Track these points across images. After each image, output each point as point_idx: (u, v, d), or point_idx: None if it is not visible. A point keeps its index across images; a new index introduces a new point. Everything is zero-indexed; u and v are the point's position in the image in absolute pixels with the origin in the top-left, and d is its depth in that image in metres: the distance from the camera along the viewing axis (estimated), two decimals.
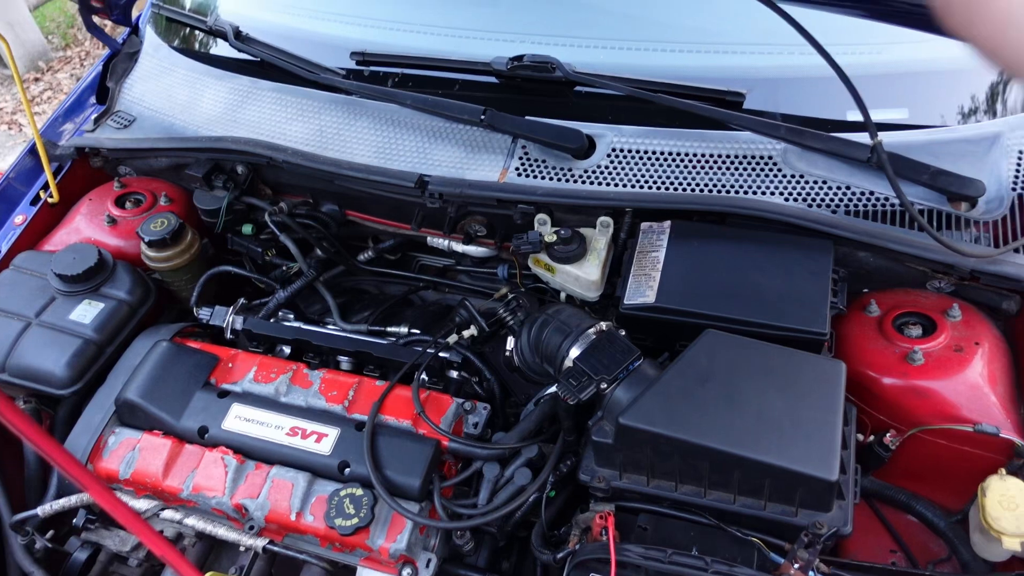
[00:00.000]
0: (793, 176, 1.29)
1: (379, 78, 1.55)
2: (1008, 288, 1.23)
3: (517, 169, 1.37)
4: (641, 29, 1.46)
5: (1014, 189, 1.24)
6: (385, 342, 1.40)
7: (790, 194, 1.27)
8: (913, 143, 1.27)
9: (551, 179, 1.35)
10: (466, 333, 1.38)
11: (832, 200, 1.26)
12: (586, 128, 1.37)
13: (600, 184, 1.34)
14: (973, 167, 1.25)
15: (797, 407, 1.03)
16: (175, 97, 1.66)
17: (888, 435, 1.18)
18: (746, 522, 1.05)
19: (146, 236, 1.46)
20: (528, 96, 1.46)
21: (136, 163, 1.68)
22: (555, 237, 1.30)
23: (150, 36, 1.80)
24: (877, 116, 1.20)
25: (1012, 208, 1.22)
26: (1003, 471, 1.08)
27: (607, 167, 1.35)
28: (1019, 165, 1.26)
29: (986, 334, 1.20)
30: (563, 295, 1.39)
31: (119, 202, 1.61)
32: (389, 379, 1.28)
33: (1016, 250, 1.19)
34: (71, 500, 1.22)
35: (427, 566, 1.13)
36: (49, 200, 1.62)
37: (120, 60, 1.77)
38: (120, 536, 1.25)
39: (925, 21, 1.08)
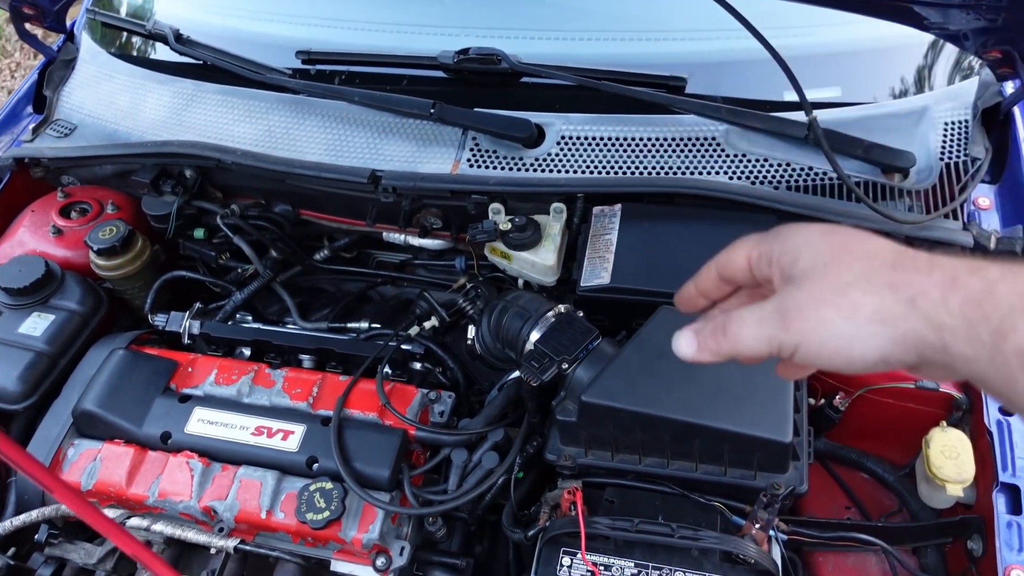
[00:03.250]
0: (736, 155, 1.33)
1: (326, 76, 1.55)
2: (940, 252, 1.30)
3: (469, 160, 1.39)
4: (583, 19, 1.50)
5: (941, 159, 1.31)
6: (346, 338, 1.40)
7: (734, 173, 1.32)
8: (847, 119, 1.33)
9: (503, 168, 1.38)
10: (427, 324, 1.39)
11: (774, 177, 1.31)
12: (534, 117, 1.39)
13: (551, 171, 1.36)
14: (903, 140, 1.31)
15: (750, 375, 1.07)
16: (117, 103, 1.63)
17: (837, 397, 1.23)
18: (708, 488, 1.09)
19: (95, 245, 1.44)
20: (476, 88, 1.48)
21: (80, 172, 1.64)
22: (510, 225, 1.32)
23: (87, 42, 1.76)
24: (812, 95, 1.25)
25: (940, 177, 1.29)
26: (944, 423, 1.15)
27: (557, 154, 1.38)
28: (945, 136, 1.33)
29: None
30: (521, 282, 1.41)
31: (64, 212, 1.57)
32: (352, 374, 1.28)
33: (945, 216, 1.26)
34: (32, 515, 1.20)
35: (400, 554, 1.14)
36: None
37: (56, 68, 1.73)
38: (86, 549, 1.23)
39: (851, 3, 1.14)
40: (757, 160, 1.32)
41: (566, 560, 1.04)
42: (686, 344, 0.67)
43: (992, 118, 1.35)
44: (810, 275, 0.56)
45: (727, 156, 1.33)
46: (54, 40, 1.82)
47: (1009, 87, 1.36)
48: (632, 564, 1.03)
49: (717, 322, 0.64)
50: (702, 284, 0.71)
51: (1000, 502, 1.06)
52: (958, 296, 0.48)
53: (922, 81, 1.41)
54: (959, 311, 0.48)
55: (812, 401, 1.23)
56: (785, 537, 1.09)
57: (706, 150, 1.34)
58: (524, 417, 1.21)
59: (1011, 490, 1.06)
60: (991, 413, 1.12)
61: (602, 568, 1.02)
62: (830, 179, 1.30)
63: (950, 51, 1.42)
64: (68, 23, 1.78)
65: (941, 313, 0.49)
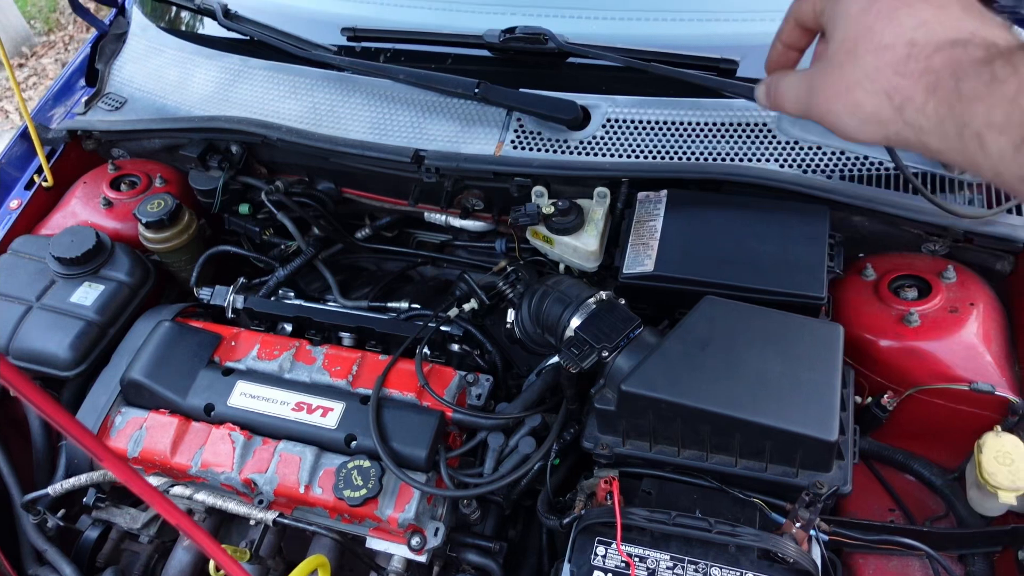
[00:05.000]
0: (788, 142, 1.29)
1: (371, 54, 1.54)
2: (1001, 248, 1.24)
3: (512, 142, 1.37)
4: None
5: None
6: (386, 317, 1.41)
7: (785, 160, 1.28)
8: None
9: (547, 151, 1.36)
10: (466, 306, 1.39)
11: (827, 165, 1.27)
12: (580, 99, 1.37)
13: (596, 155, 1.34)
14: None
15: (796, 370, 1.04)
16: (165, 77, 1.65)
17: (886, 396, 1.20)
18: (748, 484, 1.07)
19: (143, 217, 1.46)
20: (522, 68, 1.46)
21: (130, 145, 1.67)
22: (552, 209, 1.31)
23: (137, 16, 1.78)
24: None
25: None
26: (998, 428, 1.11)
27: (602, 138, 1.35)
28: None
29: (980, 295, 1.22)
30: (562, 266, 1.40)
31: (114, 184, 1.60)
32: (391, 354, 1.29)
33: (1009, 211, 1.20)
34: (81, 479, 1.24)
35: (435, 535, 1.15)
36: (44, 184, 1.62)
37: (108, 41, 1.75)
38: (131, 514, 1.26)
39: None
40: (810, 148, 1.28)
41: (600, 550, 1.03)
42: (759, 92, 0.78)
43: None
44: (834, 58, 0.66)
45: (778, 143, 1.29)
46: (106, 14, 1.84)
47: None
48: (668, 557, 1.01)
49: (774, 79, 0.75)
50: (784, 36, 0.77)
51: None
52: (935, 99, 0.57)
53: None
54: (934, 113, 0.57)
55: (859, 399, 1.20)
56: (826, 537, 1.07)
57: (756, 136, 1.30)
58: (562, 403, 1.21)
59: None
60: None
61: (637, 560, 1.01)
62: (886, 169, 1.25)
63: (1020, 33, 1.35)
64: None
65: (920, 118, 0.58)
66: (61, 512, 1.27)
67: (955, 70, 0.56)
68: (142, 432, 1.23)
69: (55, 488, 1.24)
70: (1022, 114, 0.50)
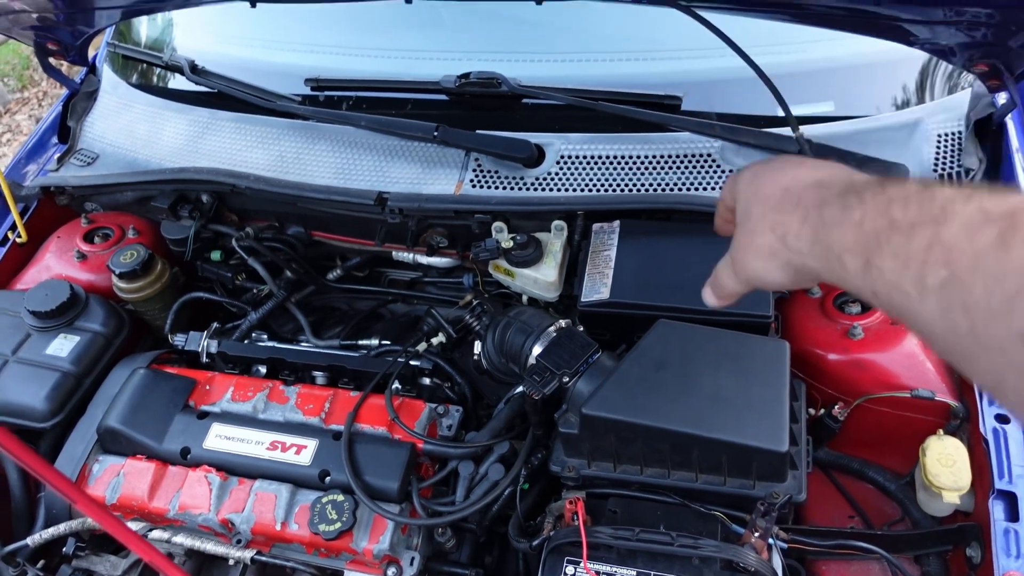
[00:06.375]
0: (731, 171, 1.36)
1: (334, 102, 1.61)
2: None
3: (471, 181, 1.44)
4: (581, 41, 1.54)
5: (935, 170, 1.33)
6: (357, 355, 1.45)
7: None
8: (840, 133, 1.36)
9: (504, 188, 1.42)
10: (435, 341, 1.44)
11: None
12: (534, 138, 1.44)
13: (551, 190, 1.40)
14: (897, 152, 1.34)
15: (747, 386, 1.10)
16: (136, 132, 1.70)
17: (837, 407, 1.25)
18: (709, 498, 1.12)
19: (117, 268, 1.50)
20: (478, 111, 1.53)
21: (102, 199, 1.71)
22: (512, 243, 1.36)
23: (107, 74, 1.84)
24: (805, 110, 1.29)
25: None
26: (941, 432, 1.16)
27: (557, 174, 1.42)
28: (939, 148, 1.35)
29: None
30: (525, 298, 1.45)
31: (87, 237, 1.64)
32: (363, 390, 1.33)
33: None
34: (60, 528, 1.25)
35: (411, 564, 1.18)
36: (18, 240, 1.65)
37: (79, 99, 1.80)
38: (111, 561, 1.28)
39: (840, 21, 1.17)
40: None
41: (569, 569, 1.07)
42: (708, 297, 0.87)
43: (985, 129, 1.37)
44: (740, 222, 0.77)
45: (723, 172, 1.37)
46: (77, 72, 1.89)
47: (1001, 98, 1.38)
48: (634, 573, 1.05)
49: (713, 275, 0.85)
50: (719, 215, 0.89)
51: (997, 509, 1.07)
52: (807, 227, 0.66)
53: (915, 94, 1.43)
54: (808, 238, 0.66)
55: (812, 411, 1.25)
56: (785, 545, 1.11)
57: (702, 166, 1.38)
58: (529, 430, 1.25)
59: (1008, 497, 1.08)
60: (987, 422, 1.14)
61: None
62: None
63: (942, 64, 1.44)
64: (91, 55, 1.86)
65: (798, 243, 0.67)
66: (41, 563, 1.28)
67: (819, 202, 0.65)
68: (120, 479, 1.26)
69: (34, 539, 1.25)
70: (866, 238, 0.57)
